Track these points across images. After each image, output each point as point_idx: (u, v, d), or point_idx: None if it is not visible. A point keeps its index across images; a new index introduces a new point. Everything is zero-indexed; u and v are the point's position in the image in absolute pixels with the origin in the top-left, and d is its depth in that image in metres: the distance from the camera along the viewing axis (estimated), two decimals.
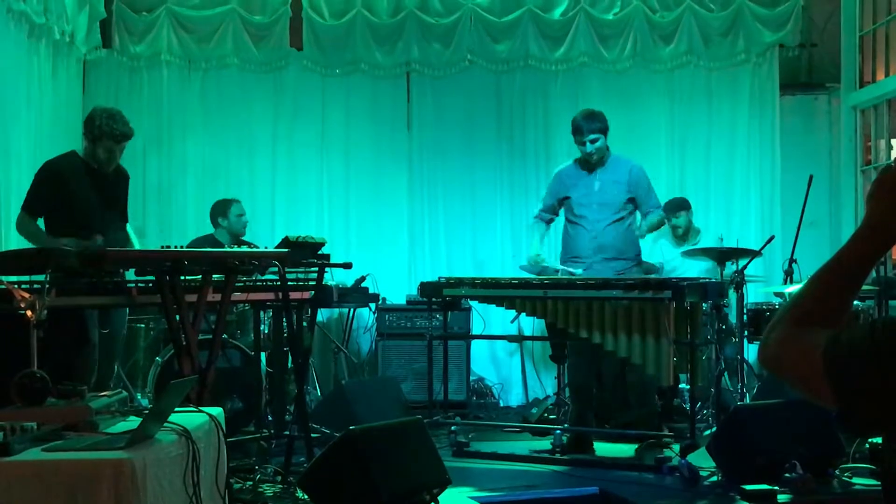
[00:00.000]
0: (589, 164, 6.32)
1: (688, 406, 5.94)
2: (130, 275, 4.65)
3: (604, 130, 6.23)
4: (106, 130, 5.29)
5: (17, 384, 3.33)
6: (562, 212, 6.50)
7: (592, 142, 6.20)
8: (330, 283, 6.19)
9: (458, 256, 8.43)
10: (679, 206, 7.56)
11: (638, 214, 6.39)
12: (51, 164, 5.44)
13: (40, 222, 5.40)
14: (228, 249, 5.08)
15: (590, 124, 6.21)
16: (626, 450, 5.98)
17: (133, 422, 3.37)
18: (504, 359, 8.36)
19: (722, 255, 6.62)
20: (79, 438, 3.14)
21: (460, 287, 6.07)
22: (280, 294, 5.03)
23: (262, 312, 6.10)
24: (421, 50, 8.27)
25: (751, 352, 7.09)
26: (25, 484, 2.80)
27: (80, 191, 5.33)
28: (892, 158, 7.69)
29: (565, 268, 6.32)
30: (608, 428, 6.27)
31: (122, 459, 2.84)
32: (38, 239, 5.21)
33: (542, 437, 6.27)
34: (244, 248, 5.49)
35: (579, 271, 6.18)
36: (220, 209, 7.25)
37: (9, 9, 6.39)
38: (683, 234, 7.61)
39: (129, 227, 5.69)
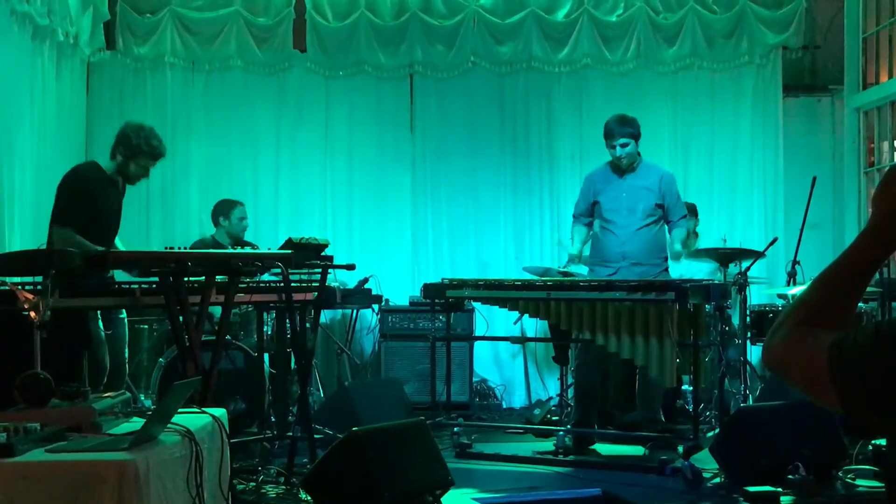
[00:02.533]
0: (619, 168, 6.32)
1: (691, 408, 5.94)
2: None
3: (635, 136, 6.23)
4: (146, 149, 5.31)
5: (20, 385, 3.33)
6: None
7: (623, 146, 6.20)
8: (333, 284, 6.19)
9: (461, 258, 8.43)
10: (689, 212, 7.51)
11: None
12: (82, 173, 5.35)
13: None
14: (232, 251, 5.08)
15: (621, 128, 6.22)
16: (629, 451, 5.98)
17: (136, 423, 3.37)
18: (507, 360, 8.36)
19: (725, 257, 6.61)
20: (82, 439, 3.14)
21: (463, 288, 6.06)
22: (283, 295, 5.03)
23: (265, 314, 6.10)
24: (424, 52, 8.28)
25: (754, 353, 7.09)
26: (29, 485, 2.80)
27: (103, 203, 5.31)
28: None
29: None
30: (611, 429, 6.27)
31: (125, 460, 2.84)
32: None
33: (545, 438, 6.27)
34: (247, 250, 5.49)
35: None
36: (223, 209, 7.23)
37: (12, 10, 6.40)
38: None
39: (116, 239, 5.59)
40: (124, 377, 5.55)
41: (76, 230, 5.07)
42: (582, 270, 6.52)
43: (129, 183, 5.45)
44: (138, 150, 5.29)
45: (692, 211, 7.57)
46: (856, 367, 1.32)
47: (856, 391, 1.32)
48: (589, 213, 6.46)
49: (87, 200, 5.24)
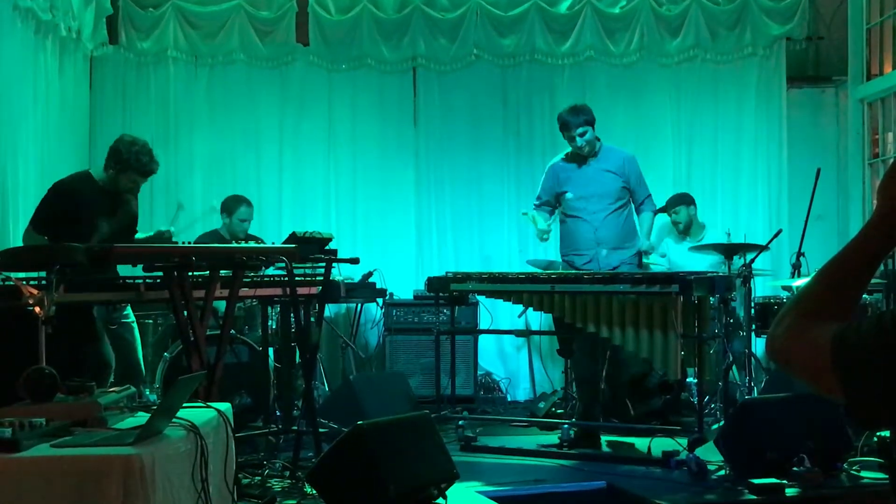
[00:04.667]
0: (581, 156, 6.33)
1: (696, 400, 5.94)
2: (138, 271, 4.66)
3: (590, 122, 6.24)
4: (134, 165, 5.26)
5: (25, 380, 3.33)
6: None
7: (581, 135, 6.21)
8: (337, 278, 6.19)
9: (465, 251, 8.43)
10: (678, 201, 7.55)
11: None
12: (63, 184, 5.38)
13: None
14: (236, 245, 5.08)
15: (576, 118, 6.23)
16: (634, 444, 5.98)
17: (142, 417, 3.37)
18: (511, 353, 8.36)
19: (729, 249, 6.61)
20: (87, 434, 3.14)
21: (467, 282, 6.06)
22: (288, 289, 5.04)
23: (269, 308, 6.11)
24: (427, 45, 8.27)
25: (758, 346, 7.08)
26: (34, 480, 2.80)
27: (92, 214, 5.28)
28: None
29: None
30: (616, 422, 6.27)
31: (130, 455, 2.84)
32: None
33: (550, 431, 6.27)
34: (251, 244, 5.49)
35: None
36: (228, 206, 7.25)
37: (15, 6, 6.40)
38: (685, 230, 7.58)
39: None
40: (137, 379, 5.54)
41: (42, 233, 5.25)
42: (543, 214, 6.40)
43: (123, 194, 5.41)
44: (127, 165, 5.26)
45: (684, 199, 7.58)
46: (859, 357, 1.32)
47: (859, 382, 1.32)
48: (551, 204, 6.45)
49: (59, 208, 5.26)
